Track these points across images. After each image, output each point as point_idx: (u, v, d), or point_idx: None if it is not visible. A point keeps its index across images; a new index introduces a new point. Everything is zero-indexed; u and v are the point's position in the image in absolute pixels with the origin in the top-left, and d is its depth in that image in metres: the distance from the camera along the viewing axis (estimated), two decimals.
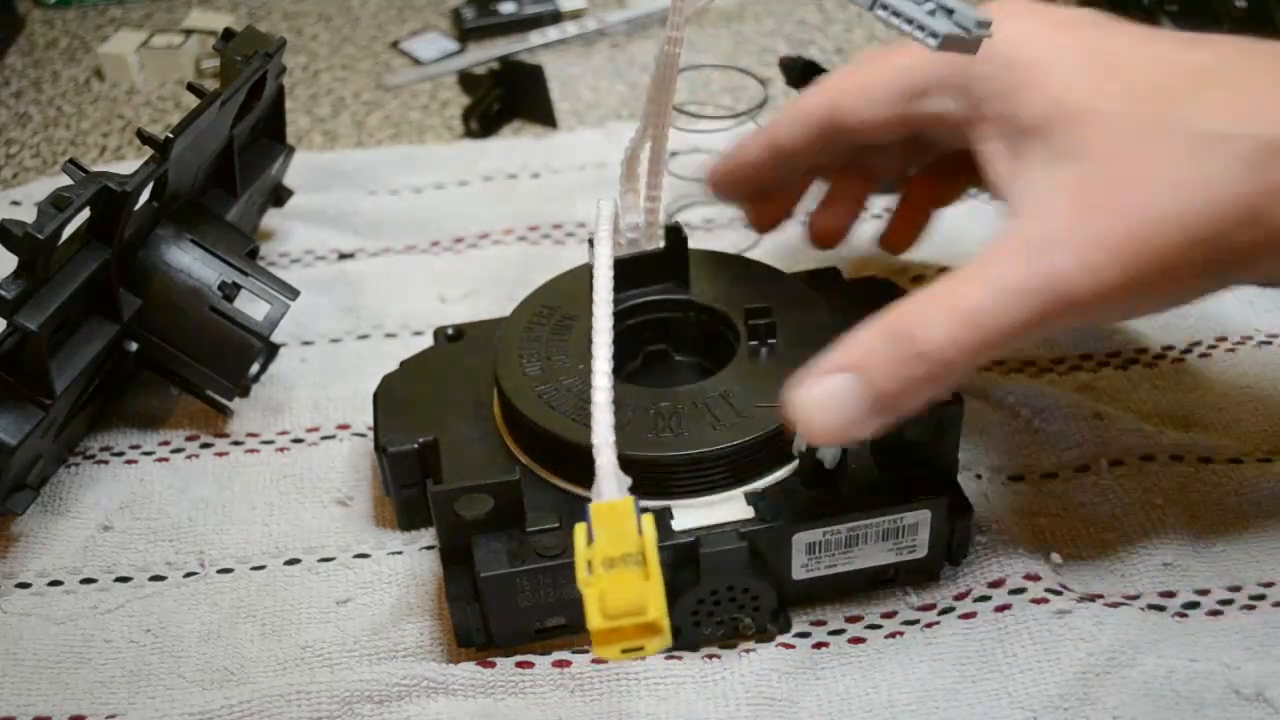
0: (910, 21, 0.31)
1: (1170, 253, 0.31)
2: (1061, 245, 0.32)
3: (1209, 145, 0.31)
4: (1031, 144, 0.34)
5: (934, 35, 0.31)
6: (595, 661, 0.38)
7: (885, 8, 0.32)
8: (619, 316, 0.42)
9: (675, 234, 0.42)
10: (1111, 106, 0.33)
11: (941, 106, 0.38)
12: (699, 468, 0.37)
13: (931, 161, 0.45)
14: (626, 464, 0.33)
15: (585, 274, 0.42)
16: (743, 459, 0.37)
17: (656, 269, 0.43)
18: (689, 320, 0.43)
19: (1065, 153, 0.33)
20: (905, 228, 0.46)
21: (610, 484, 0.31)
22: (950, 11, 0.31)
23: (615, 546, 0.30)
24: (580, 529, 0.30)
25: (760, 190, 0.45)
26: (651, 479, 0.37)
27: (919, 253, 0.53)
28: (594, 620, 0.29)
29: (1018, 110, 0.35)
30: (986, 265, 0.33)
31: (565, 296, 0.43)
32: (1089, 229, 0.32)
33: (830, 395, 0.33)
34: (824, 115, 0.41)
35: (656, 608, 0.29)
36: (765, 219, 0.46)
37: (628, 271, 0.42)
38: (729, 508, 0.37)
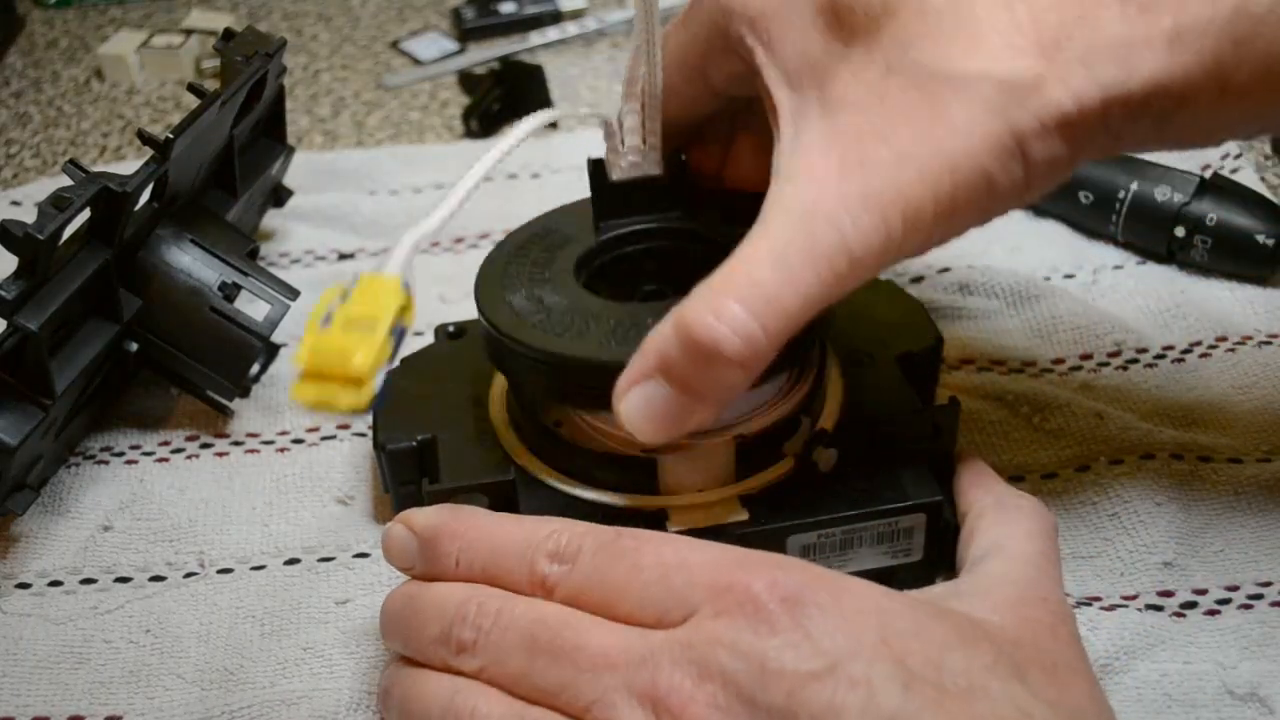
0: None
1: (941, 198, 0.31)
2: (834, 208, 0.31)
3: (950, 87, 0.31)
4: (787, 96, 0.34)
5: None
6: None
7: None
8: (617, 243, 0.41)
9: (678, 163, 0.40)
10: (855, 54, 0.33)
11: (727, 69, 0.37)
12: None
13: None
14: (572, 366, 0.34)
15: (586, 203, 0.41)
16: None
17: (658, 196, 0.41)
18: (688, 250, 0.41)
19: (819, 104, 0.33)
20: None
21: (396, 262, 0.32)
22: None
23: (362, 309, 0.30)
24: (338, 286, 0.31)
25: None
26: (596, 384, 0.35)
27: None
28: (302, 355, 0.29)
29: (771, 62, 0.34)
30: (767, 239, 0.32)
31: (565, 219, 0.42)
32: (855, 187, 0.31)
33: (646, 403, 0.33)
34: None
35: (363, 364, 0.29)
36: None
37: (628, 196, 0.40)
38: (723, 509, 0.37)
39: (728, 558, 0.31)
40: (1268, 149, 0.58)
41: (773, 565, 0.31)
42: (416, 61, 0.73)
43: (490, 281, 0.39)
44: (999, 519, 0.36)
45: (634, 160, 0.40)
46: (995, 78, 0.31)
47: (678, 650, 0.30)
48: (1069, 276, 0.52)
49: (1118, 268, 0.52)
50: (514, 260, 0.40)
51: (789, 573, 0.31)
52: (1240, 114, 0.32)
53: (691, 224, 0.41)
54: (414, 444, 0.40)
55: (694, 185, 0.41)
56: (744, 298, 0.31)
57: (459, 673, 0.32)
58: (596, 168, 0.40)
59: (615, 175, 0.40)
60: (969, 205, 0.32)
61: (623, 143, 0.40)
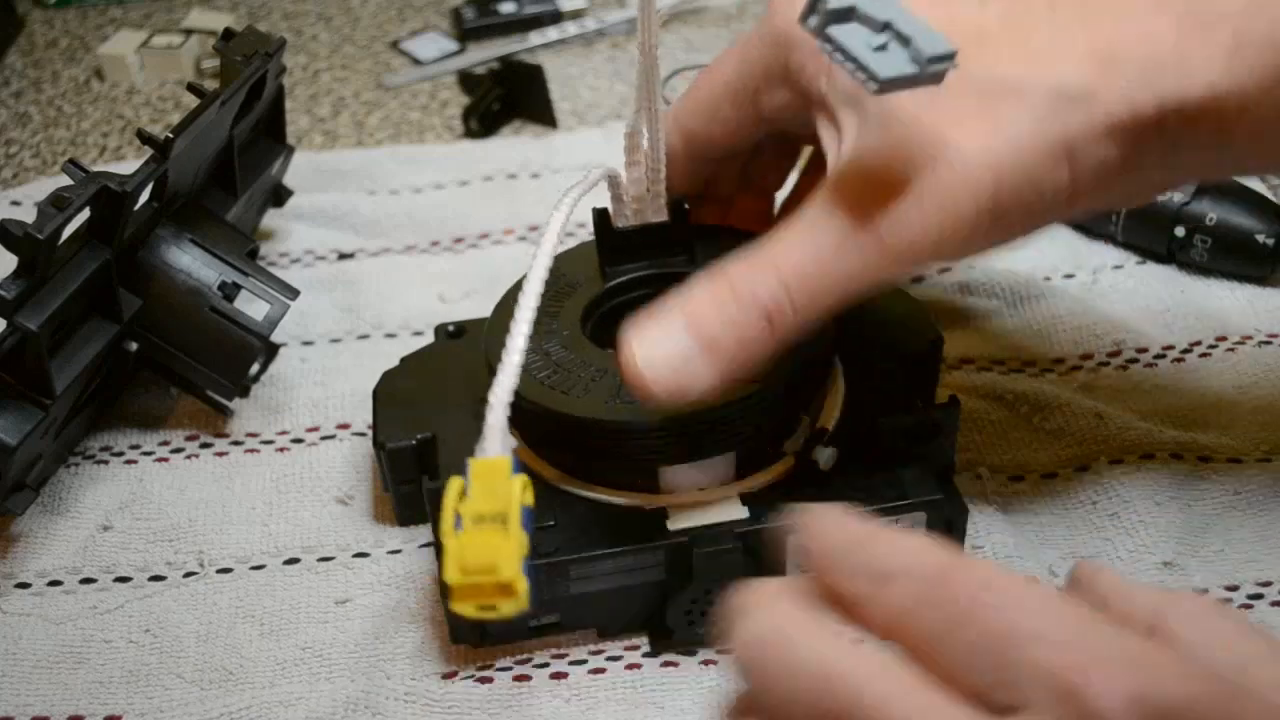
0: (853, 59, 0.28)
1: (982, 199, 0.32)
2: (880, 205, 0.32)
3: (1002, 95, 0.32)
4: (848, 115, 0.34)
5: (873, 79, 0.28)
6: (593, 673, 0.38)
7: (829, 40, 0.29)
8: (623, 289, 0.42)
9: (678, 208, 0.41)
10: None
11: (780, 99, 0.38)
12: (648, 436, 0.36)
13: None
14: (577, 426, 0.34)
15: (592, 247, 0.41)
16: (701, 431, 0.36)
17: (661, 242, 0.42)
18: None
19: (878, 118, 0.33)
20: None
21: (495, 441, 0.31)
22: (906, 41, 0.28)
23: (486, 504, 0.30)
24: (456, 482, 0.30)
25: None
26: (598, 442, 0.36)
27: None
28: (450, 574, 0.29)
29: (832, 88, 0.35)
30: (809, 225, 0.33)
31: (571, 264, 0.42)
32: (899, 182, 0.32)
33: (663, 348, 0.33)
34: (679, 146, 0.41)
35: (510, 568, 0.29)
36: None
37: (631, 243, 0.41)
38: (724, 508, 0.37)
39: (1085, 640, 0.23)
40: None
41: (1143, 668, 0.22)
42: (416, 61, 0.73)
43: (501, 335, 0.40)
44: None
45: (637, 209, 0.41)
46: (1048, 85, 0.32)
47: None
48: (1069, 276, 0.52)
49: (1118, 268, 0.52)
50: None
51: (1163, 684, 0.22)
52: None
53: (694, 268, 0.41)
54: (414, 443, 0.40)
55: (697, 230, 0.42)
56: (778, 267, 0.32)
57: None
58: (601, 216, 0.41)
59: (620, 223, 0.41)
60: (1014, 207, 0.32)
61: (627, 192, 0.41)
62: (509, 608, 0.29)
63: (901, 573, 0.25)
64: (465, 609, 0.29)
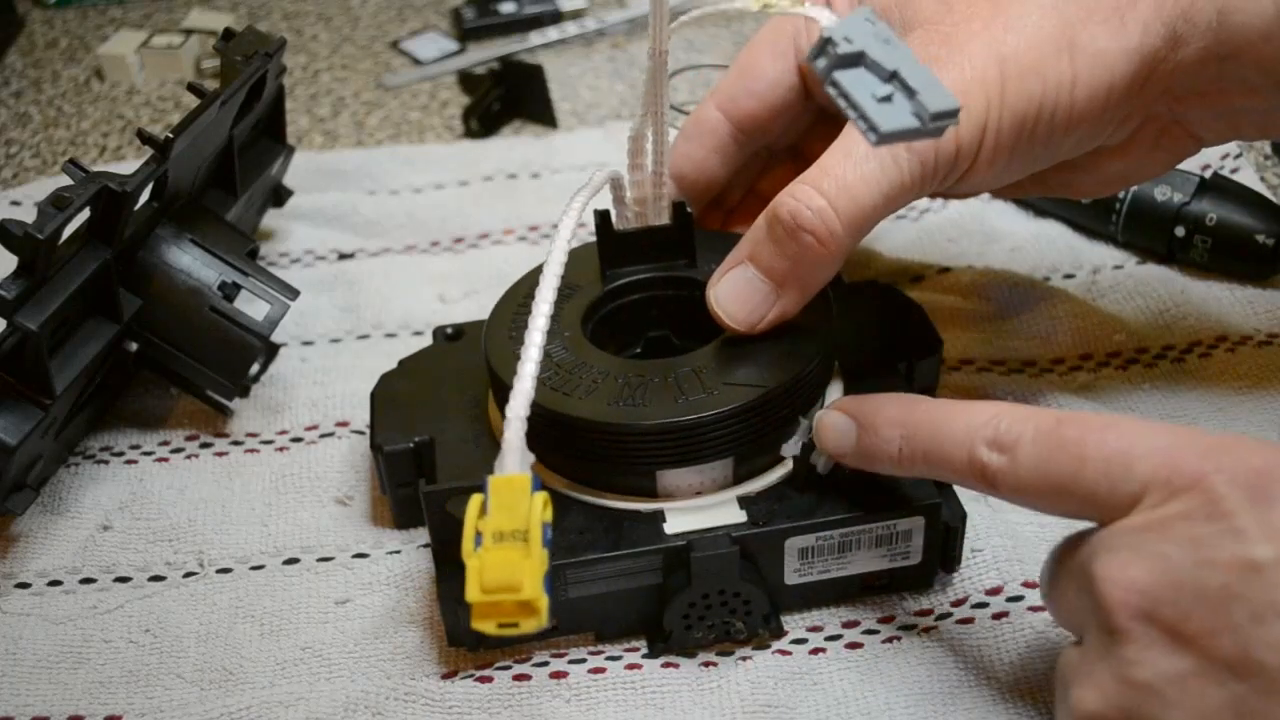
0: (855, 108, 0.29)
1: (992, 93, 0.35)
2: None
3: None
4: (914, 35, 0.37)
5: (874, 130, 0.28)
6: (593, 672, 0.38)
7: (835, 85, 0.29)
8: (623, 291, 0.42)
9: (681, 211, 0.41)
10: None
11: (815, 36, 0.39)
12: (648, 438, 0.36)
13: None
14: (578, 428, 0.35)
15: (593, 249, 0.41)
16: (700, 435, 0.36)
17: (664, 245, 0.42)
18: (692, 298, 0.42)
19: (900, 24, 0.38)
20: None
21: (513, 458, 0.31)
22: (912, 94, 0.28)
23: (506, 521, 0.29)
24: (476, 499, 0.30)
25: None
26: (604, 447, 0.36)
27: (918, 253, 0.53)
28: (471, 593, 0.29)
29: (909, 14, 0.38)
30: (846, 142, 0.36)
31: (572, 266, 0.42)
32: (945, 80, 0.34)
33: (736, 287, 0.37)
34: (728, 131, 0.43)
35: (532, 586, 0.28)
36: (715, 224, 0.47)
37: (633, 245, 0.42)
38: (721, 512, 0.37)
39: (1180, 443, 0.29)
40: (1268, 149, 0.58)
41: (1235, 451, 0.28)
42: (416, 61, 0.73)
43: (500, 334, 0.40)
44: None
45: (639, 211, 0.41)
46: None
47: (1116, 537, 0.29)
48: (1069, 276, 0.52)
49: (1118, 268, 0.52)
50: (522, 310, 0.40)
51: (1254, 456, 0.28)
52: None
53: (695, 272, 0.42)
54: (411, 445, 0.40)
55: (698, 233, 0.42)
56: (818, 182, 0.35)
57: None
58: (603, 219, 0.41)
59: (621, 226, 0.41)
60: (1021, 101, 0.35)
61: (628, 195, 0.41)
62: (530, 625, 0.29)
63: (1020, 440, 0.31)
64: (486, 627, 0.29)
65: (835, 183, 0.35)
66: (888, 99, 0.28)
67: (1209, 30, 0.35)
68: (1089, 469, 0.30)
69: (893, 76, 0.28)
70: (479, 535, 0.29)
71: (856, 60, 0.29)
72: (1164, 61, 0.36)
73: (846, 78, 0.29)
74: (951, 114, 0.28)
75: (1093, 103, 0.36)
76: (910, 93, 0.28)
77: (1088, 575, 0.29)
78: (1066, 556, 0.31)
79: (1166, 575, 0.28)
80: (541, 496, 0.30)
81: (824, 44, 0.29)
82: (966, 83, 0.35)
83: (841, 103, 0.29)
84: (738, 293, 0.37)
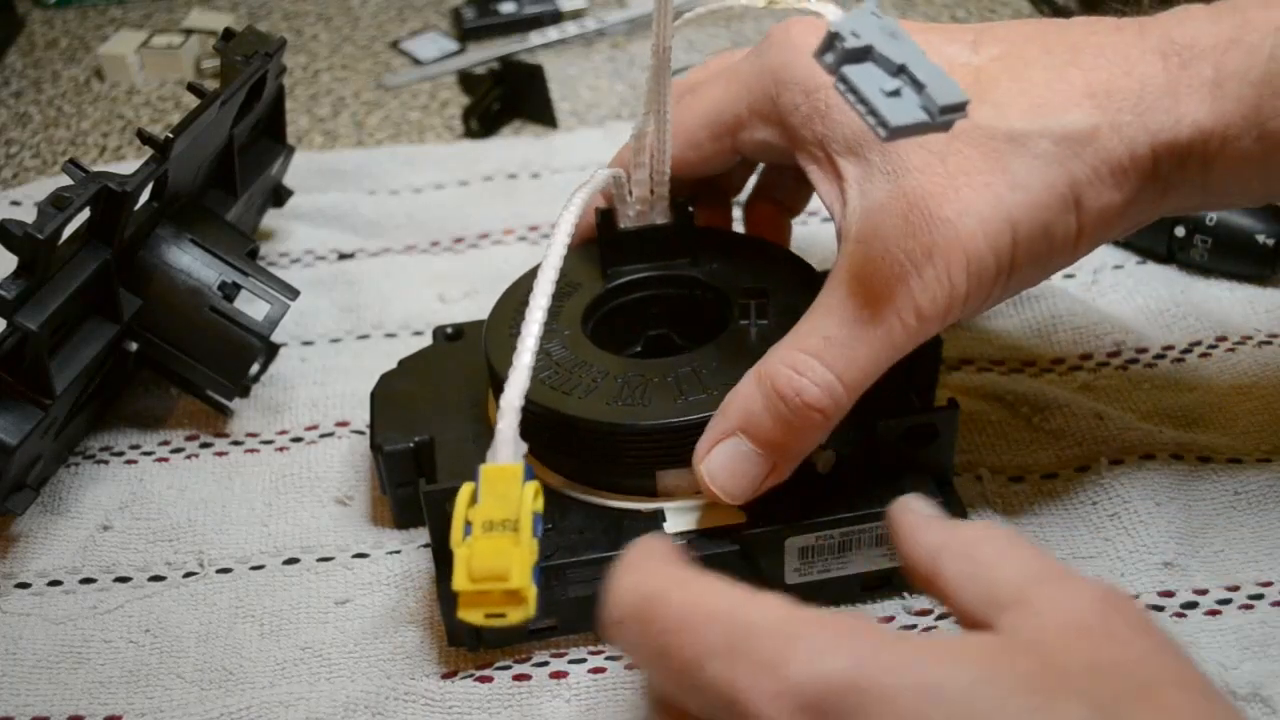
0: (864, 103, 0.28)
1: (1002, 252, 0.33)
2: (901, 269, 0.33)
3: (1010, 145, 0.33)
4: (850, 164, 0.35)
5: (884, 125, 0.28)
6: (593, 672, 0.38)
7: (844, 81, 0.29)
8: (624, 290, 0.42)
9: (683, 210, 0.41)
10: None
11: (761, 136, 0.38)
12: (648, 438, 0.36)
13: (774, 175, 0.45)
14: (578, 428, 0.35)
15: (593, 247, 0.41)
16: (690, 434, 0.36)
17: (665, 244, 0.42)
18: (693, 297, 0.42)
19: (883, 169, 0.34)
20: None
21: (506, 448, 0.31)
22: (920, 87, 0.28)
23: (497, 511, 0.29)
24: (467, 488, 0.30)
25: None
26: (604, 446, 0.36)
27: None
28: (459, 581, 0.29)
29: (830, 132, 0.35)
30: (839, 300, 0.34)
31: (572, 264, 0.42)
32: (921, 246, 0.33)
33: (729, 462, 0.35)
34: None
35: (520, 576, 0.28)
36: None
37: (634, 244, 0.42)
38: (721, 511, 0.37)
39: (742, 647, 0.25)
40: None
41: (788, 662, 0.24)
42: (416, 61, 0.73)
43: (500, 333, 0.40)
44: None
45: (641, 210, 0.41)
46: (1053, 132, 0.33)
47: None
48: (1069, 276, 0.52)
49: (1118, 268, 0.52)
50: (522, 309, 0.40)
51: (823, 664, 0.24)
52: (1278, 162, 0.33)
53: (696, 271, 0.42)
54: (411, 445, 0.40)
55: (699, 232, 0.42)
56: (819, 352, 0.33)
57: None
58: (605, 217, 0.41)
59: (623, 224, 0.41)
60: (1029, 258, 0.33)
61: (630, 193, 0.41)
62: (517, 615, 0.29)
63: (617, 618, 0.28)
64: (472, 616, 0.29)
65: (837, 350, 0.33)
66: (896, 93, 0.28)
67: (1196, 184, 0.34)
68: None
69: (900, 70, 0.28)
70: (469, 525, 0.29)
71: (864, 55, 0.29)
72: (1158, 202, 0.35)
73: (854, 73, 0.28)
74: (960, 107, 0.28)
75: (1092, 246, 0.35)
76: (919, 86, 0.28)
77: None
78: None
79: None
80: (533, 486, 0.30)
81: (831, 39, 0.29)
82: (973, 241, 0.32)
83: (850, 98, 0.29)
84: (734, 468, 0.35)
